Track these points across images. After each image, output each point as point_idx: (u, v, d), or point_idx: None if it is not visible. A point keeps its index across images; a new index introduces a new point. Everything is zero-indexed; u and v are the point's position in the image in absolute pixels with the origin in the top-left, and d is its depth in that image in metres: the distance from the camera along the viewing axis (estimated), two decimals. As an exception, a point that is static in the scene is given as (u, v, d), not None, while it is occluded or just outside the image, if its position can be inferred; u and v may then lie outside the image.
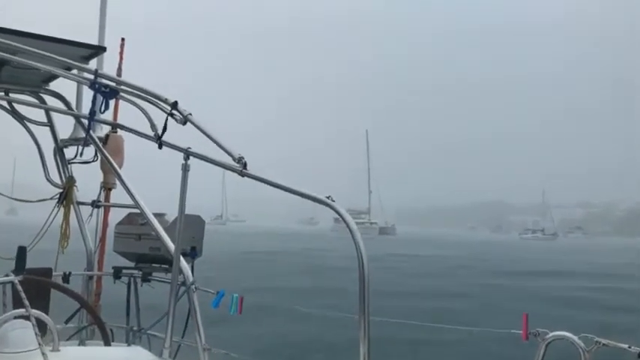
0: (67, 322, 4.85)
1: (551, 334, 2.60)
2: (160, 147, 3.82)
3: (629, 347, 2.41)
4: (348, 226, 2.80)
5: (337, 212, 2.87)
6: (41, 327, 3.26)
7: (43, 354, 3.05)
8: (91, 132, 5.27)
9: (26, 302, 3.22)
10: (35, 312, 3.22)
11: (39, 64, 3.82)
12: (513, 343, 2.86)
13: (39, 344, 3.10)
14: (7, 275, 3.62)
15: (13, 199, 6.26)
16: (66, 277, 5.21)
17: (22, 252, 3.87)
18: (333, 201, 2.88)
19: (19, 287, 3.33)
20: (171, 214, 4.82)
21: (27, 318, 3.20)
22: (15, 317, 3.23)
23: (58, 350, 3.27)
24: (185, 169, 3.77)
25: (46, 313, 3.54)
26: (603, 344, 2.46)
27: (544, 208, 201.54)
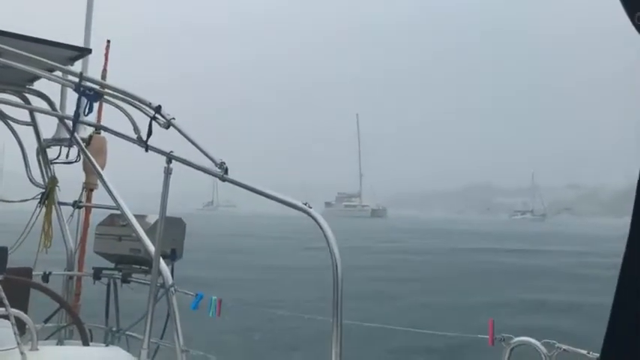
0: (46, 321, 4.87)
1: (515, 340, 2.72)
2: (147, 150, 3.88)
3: (588, 353, 2.53)
4: (323, 232, 2.89)
5: (314, 219, 2.95)
6: (20, 326, 3.30)
7: (22, 353, 3.10)
8: (74, 133, 5.31)
9: (5, 302, 3.26)
10: (14, 311, 3.26)
11: (23, 66, 3.86)
12: (480, 347, 2.97)
13: (17, 343, 3.14)
14: None
15: None
16: (46, 277, 5.23)
17: (2, 253, 3.90)
18: (310, 207, 2.96)
19: None
20: (153, 216, 4.87)
21: (6, 317, 3.24)
22: None
23: (37, 349, 3.32)
24: (167, 172, 3.83)
25: (25, 313, 3.58)
26: (564, 349, 2.58)
27: (533, 190, 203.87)
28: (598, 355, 2.51)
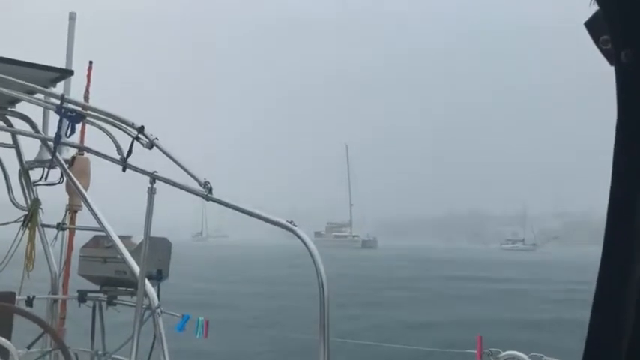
0: (29, 347, 4.78)
1: (503, 354, 2.71)
2: (125, 170, 3.85)
3: None
4: (309, 251, 2.88)
5: (299, 237, 2.94)
6: (3, 353, 3.25)
7: None
8: (57, 154, 5.26)
9: None
10: None
11: (3, 89, 3.83)
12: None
13: None
14: None
15: None
16: (30, 301, 5.15)
17: None
18: (295, 226, 2.96)
19: None
20: (138, 237, 4.82)
21: None
22: None
23: None
24: (151, 192, 3.80)
25: (9, 338, 3.52)
26: None
27: (523, 219, 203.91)
28: None
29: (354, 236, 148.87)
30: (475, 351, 2.78)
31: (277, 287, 31.19)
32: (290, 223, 2.97)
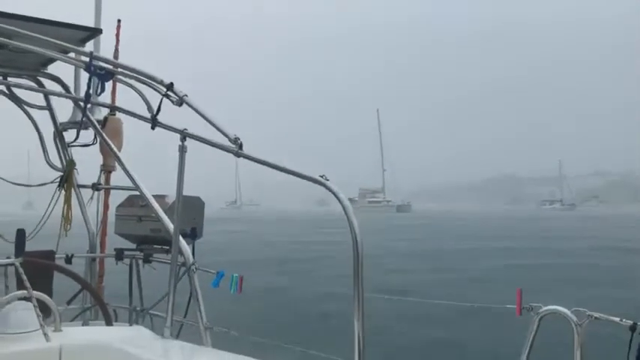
0: (69, 303, 4.91)
1: (544, 309, 2.63)
2: (154, 127, 3.80)
3: (621, 320, 2.43)
4: (341, 203, 2.82)
5: (331, 191, 2.88)
6: (43, 308, 3.31)
7: (45, 334, 3.11)
8: (89, 114, 5.28)
9: (27, 284, 3.27)
10: (36, 293, 3.26)
11: (35, 48, 3.81)
12: (508, 318, 2.89)
13: (40, 325, 3.15)
14: (8, 257, 3.67)
15: (10, 182, 6.18)
16: (68, 259, 5.26)
17: (21, 235, 3.91)
18: (327, 180, 2.89)
19: (20, 269, 3.39)
20: (172, 196, 4.84)
21: (29, 299, 3.25)
22: (18, 299, 3.28)
23: (60, 331, 3.32)
24: (182, 150, 3.78)
25: (49, 295, 3.59)
26: (595, 318, 2.49)
27: (560, 179, 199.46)
28: (632, 322, 2.42)
29: (387, 201, 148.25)
30: (515, 306, 2.70)
31: (308, 249, 31.57)
32: (322, 177, 2.90)
